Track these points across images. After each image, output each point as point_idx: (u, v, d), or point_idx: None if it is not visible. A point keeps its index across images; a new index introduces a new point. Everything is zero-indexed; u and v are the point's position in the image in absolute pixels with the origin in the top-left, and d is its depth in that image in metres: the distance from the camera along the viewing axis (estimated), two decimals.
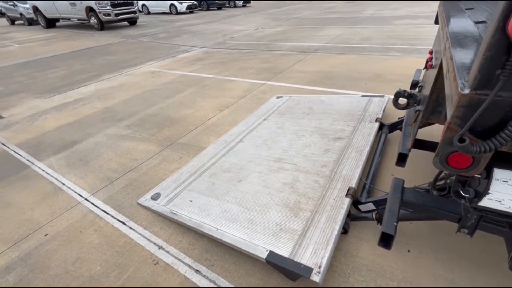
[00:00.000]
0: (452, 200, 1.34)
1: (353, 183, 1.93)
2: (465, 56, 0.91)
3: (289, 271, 1.46)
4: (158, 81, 5.38)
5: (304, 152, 2.44)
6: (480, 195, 0.96)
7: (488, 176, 0.92)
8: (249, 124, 3.22)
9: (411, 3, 14.54)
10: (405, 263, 1.67)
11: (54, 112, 4.26)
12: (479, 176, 0.97)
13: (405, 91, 2.18)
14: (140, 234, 2.00)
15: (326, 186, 1.97)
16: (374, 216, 1.73)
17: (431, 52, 2.06)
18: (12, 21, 17.26)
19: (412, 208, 1.49)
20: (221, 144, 2.89)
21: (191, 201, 2.09)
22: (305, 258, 1.45)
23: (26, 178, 2.76)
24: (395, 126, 2.77)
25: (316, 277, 1.33)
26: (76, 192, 2.49)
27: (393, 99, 2.31)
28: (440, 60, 1.35)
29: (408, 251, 1.74)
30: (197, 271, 1.71)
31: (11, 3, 16.09)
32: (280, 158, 2.42)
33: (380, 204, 1.78)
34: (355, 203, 1.90)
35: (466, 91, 0.72)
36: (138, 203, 2.27)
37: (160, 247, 1.89)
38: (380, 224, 1.69)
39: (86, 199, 2.40)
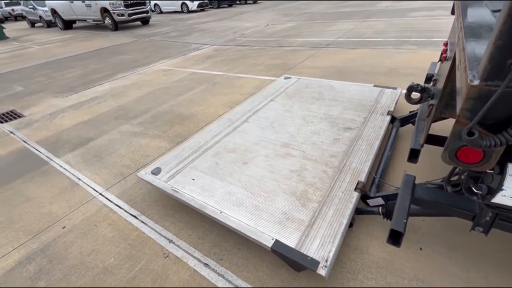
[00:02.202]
0: (466, 197, 1.29)
1: (362, 177, 1.90)
2: (478, 46, 0.87)
3: (295, 262, 1.44)
4: (170, 79, 5.47)
5: (313, 140, 2.39)
6: (493, 191, 0.92)
7: (502, 171, 0.88)
8: (255, 104, 3.16)
9: None
10: (417, 261, 1.63)
11: (71, 111, 4.43)
12: (492, 171, 0.93)
13: (418, 85, 2.11)
14: (152, 228, 2.05)
15: (334, 178, 1.93)
16: (380, 210, 1.70)
17: (446, 44, 1.98)
18: (32, 24, 17.97)
19: (424, 205, 1.45)
20: (225, 122, 2.85)
21: (193, 179, 2.07)
22: (312, 250, 1.43)
23: (45, 173, 2.89)
24: (407, 120, 2.70)
25: (322, 271, 1.32)
26: (91, 187, 2.58)
27: (406, 93, 2.24)
28: (455, 52, 1.30)
29: (420, 249, 1.70)
30: (206, 264, 1.74)
31: (31, 7, 16.74)
32: (288, 143, 2.38)
33: (389, 199, 1.74)
34: (364, 197, 1.87)
35: (476, 82, 0.69)
36: (137, 176, 2.27)
37: (170, 241, 1.93)
38: (386, 218, 1.66)
39: (100, 194, 2.49)
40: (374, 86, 3.35)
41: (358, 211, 1.84)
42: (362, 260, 1.67)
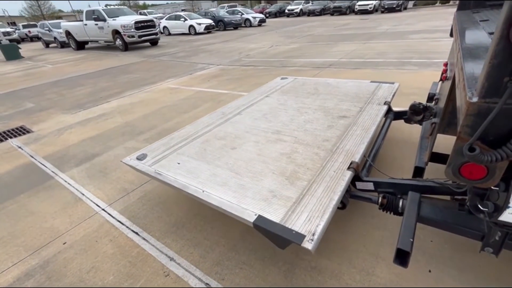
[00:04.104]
0: (474, 216, 1.27)
1: (357, 158, 1.81)
2: (475, 66, 0.90)
3: (278, 237, 1.33)
4: (176, 97, 5.60)
5: (306, 127, 2.35)
6: (499, 209, 0.91)
7: (507, 188, 0.87)
8: (249, 100, 3.17)
9: (428, 17, 14.46)
10: (427, 284, 1.57)
11: (79, 127, 4.52)
12: (497, 188, 0.92)
13: (420, 103, 2.15)
14: (153, 245, 2.02)
15: (326, 159, 1.86)
16: (380, 200, 1.58)
17: (446, 64, 2.04)
18: (47, 44, 18.86)
19: (430, 224, 1.42)
20: (218, 115, 2.84)
21: (179, 163, 2.02)
22: (298, 225, 1.34)
23: (50, 188, 2.90)
24: (401, 114, 2.68)
25: (308, 244, 1.21)
26: (94, 203, 2.58)
27: (408, 111, 2.28)
28: (454, 72, 1.33)
29: (429, 271, 1.64)
30: (207, 284, 1.70)
31: (47, 29, 17.66)
32: (279, 130, 2.33)
33: (380, 186, 1.66)
34: (355, 179, 1.77)
35: (475, 99, 0.71)
36: (122, 161, 2.21)
37: (171, 259, 1.89)
38: (384, 210, 1.58)
39: (103, 209, 2.48)
40: (371, 82, 3.35)
41: (351, 194, 1.74)
42: (368, 282, 1.61)
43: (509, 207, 0.87)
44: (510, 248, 1.16)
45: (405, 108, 2.33)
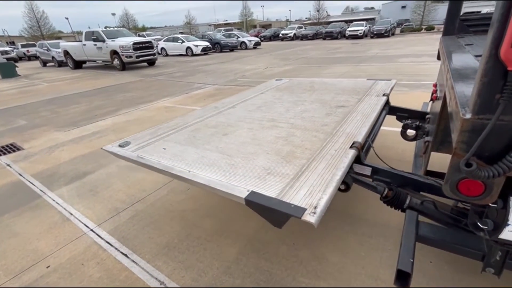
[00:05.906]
0: (474, 235, 1.25)
1: (359, 139, 1.71)
2: (465, 85, 0.93)
3: (275, 212, 1.18)
4: (171, 115, 5.62)
5: (303, 115, 2.26)
6: (499, 226, 0.89)
7: (505, 205, 0.87)
8: (243, 96, 3.13)
9: (414, 42, 15.23)
10: None
11: (71, 144, 4.45)
12: (496, 205, 0.91)
13: (412, 122, 2.19)
14: (142, 268, 1.92)
15: (326, 140, 1.75)
16: (386, 192, 1.46)
17: (435, 85, 2.11)
18: (44, 63, 19.06)
19: (429, 244, 1.39)
20: (210, 108, 2.77)
21: (164, 149, 1.89)
22: (297, 199, 1.20)
23: (37, 208, 2.79)
24: (395, 111, 2.66)
25: (310, 217, 1.06)
26: (82, 223, 2.48)
27: (401, 130, 2.32)
28: (444, 92, 1.37)
29: None
30: None
31: (46, 48, 17.95)
32: (275, 119, 2.24)
33: (378, 173, 1.58)
34: (354, 161, 1.63)
35: (468, 116, 0.73)
36: (102, 149, 2.06)
37: (162, 283, 1.79)
38: (386, 203, 1.49)
39: (91, 230, 2.38)
40: (368, 79, 3.38)
41: (356, 179, 1.60)
42: None
43: (508, 224, 0.86)
44: (510, 268, 1.13)
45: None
